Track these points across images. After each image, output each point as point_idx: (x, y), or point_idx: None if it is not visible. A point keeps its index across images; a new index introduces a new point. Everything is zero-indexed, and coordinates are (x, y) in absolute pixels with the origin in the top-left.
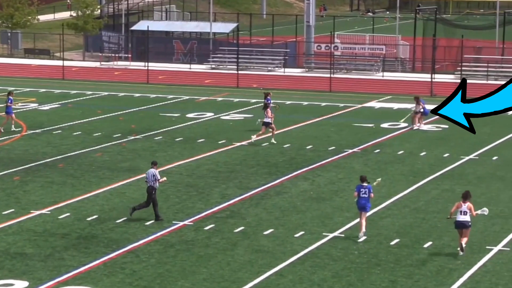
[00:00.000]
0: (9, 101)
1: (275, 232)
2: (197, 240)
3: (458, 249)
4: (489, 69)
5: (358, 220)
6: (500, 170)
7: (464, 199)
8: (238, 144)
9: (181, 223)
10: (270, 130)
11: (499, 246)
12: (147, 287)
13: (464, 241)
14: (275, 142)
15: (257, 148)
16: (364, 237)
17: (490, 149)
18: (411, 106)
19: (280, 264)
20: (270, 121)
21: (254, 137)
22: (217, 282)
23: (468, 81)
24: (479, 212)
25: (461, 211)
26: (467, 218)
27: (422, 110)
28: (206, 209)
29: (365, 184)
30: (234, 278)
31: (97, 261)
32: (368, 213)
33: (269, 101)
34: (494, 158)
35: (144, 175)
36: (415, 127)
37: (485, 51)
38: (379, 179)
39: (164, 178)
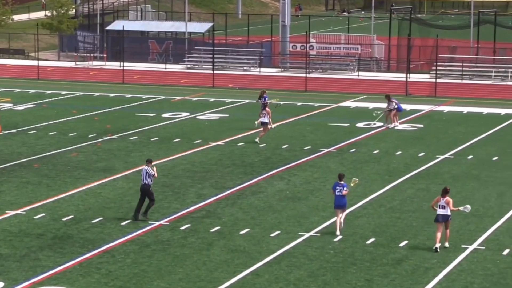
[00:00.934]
0: None
1: (251, 232)
2: (173, 240)
3: (437, 245)
4: (464, 68)
5: (334, 219)
6: (475, 169)
7: (443, 194)
8: (214, 144)
9: (157, 223)
10: (262, 129)
11: (474, 245)
12: (123, 287)
13: (439, 235)
14: (258, 142)
15: (232, 148)
16: (339, 232)
17: (465, 148)
18: (384, 105)
19: (256, 264)
20: (268, 121)
21: (258, 140)
22: (193, 282)
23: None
24: (461, 208)
25: (440, 205)
26: (446, 211)
27: (396, 106)
28: (182, 209)
29: (342, 182)
30: (210, 278)
31: (73, 261)
32: (347, 211)
33: (266, 100)
34: (469, 157)
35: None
36: (391, 126)
37: (460, 51)
38: (356, 179)
39: (155, 175)
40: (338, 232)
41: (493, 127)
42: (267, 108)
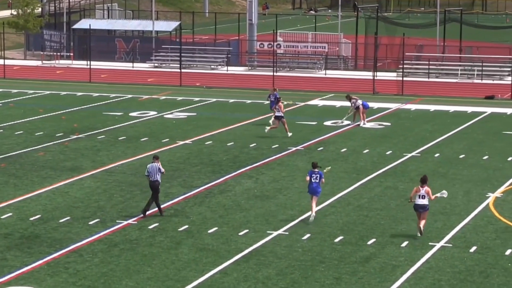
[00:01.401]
0: None
1: (219, 231)
2: (141, 239)
3: (418, 233)
4: (430, 67)
5: (302, 217)
6: (442, 167)
7: (422, 184)
8: (182, 142)
9: (125, 222)
10: (275, 123)
11: (442, 243)
12: (91, 286)
13: (422, 223)
14: (290, 134)
15: (200, 146)
16: (313, 218)
17: (432, 147)
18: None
19: (224, 262)
20: (282, 115)
21: (267, 128)
22: (162, 281)
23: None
24: (438, 195)
25: (419, 195)
26: (425, 201)
27: (361, 103)
28: (150, 208)
29: (316, 170)
30: (178, 277)
31: (40, 261)
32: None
33: (277, 96)
34: (436, 155)
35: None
36: (361, 124)
37: (426, 49)
38: (329, 167)
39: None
40: (313, 214)
41: (460, 125)
42: (280, 103)
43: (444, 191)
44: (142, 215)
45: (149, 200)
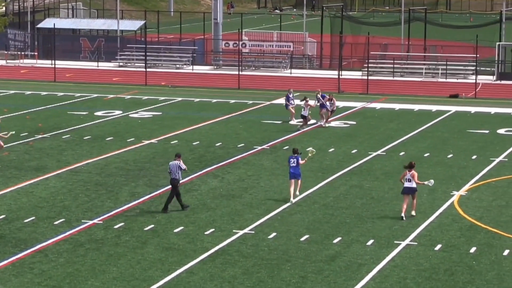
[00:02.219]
0: None
1: (185, 230)
2: (107, 239)
3: (402, 214)
4: (395, 65)
5: (268, 215)
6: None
7: (408, 168)
8: (147, 142)
9: (91, 222)
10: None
11: (407, 241)
12: (56, 286)
13: (405, 206)
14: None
15: (166, 146)
16: (295, 199)
17: (397, 145)
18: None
19: (190, 262)
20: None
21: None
22: (127, 280)
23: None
24: (425, 182)
25: (406, 179)
26: (412, 184)
27: (318, 103)
28: (116, 208)
29: (295, 155)
30: (144, 277)
31: (5, 261)
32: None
33: (290, 99)
34: (401, 153)
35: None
36: (322, 123)
37: (391, 48)
38: (313, 150)
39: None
40: (292, 199)
41: (425, 124)
42: (308, 102)
43: (431, 180)
44: (164, 211)
45: (168, 196)
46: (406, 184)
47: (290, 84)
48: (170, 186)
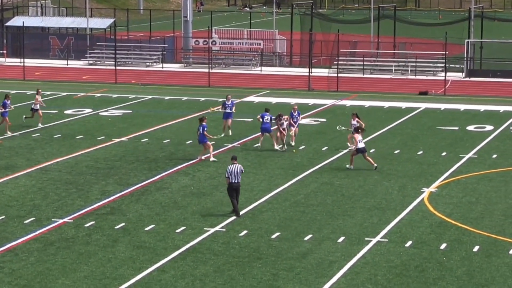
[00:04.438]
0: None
1: (156, 228)
2: (78, 238)
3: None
4: (365, 63)
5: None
6: (377, 162)
7: (357, 132)
8: (117, 140)
9: (61, 221)
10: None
11: (378, 238)
12: (27, 286)
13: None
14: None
15: (136, 144)
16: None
17: (367, 142)
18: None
19: (161, 260)
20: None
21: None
22: (98, 279)
23: (344, 75)
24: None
25: (360, 140)
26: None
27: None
28: (86, 206)
29: (268, 113)
30: (115, 275)
31: None
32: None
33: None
34: (372, 150)
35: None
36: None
37: (361, 45)
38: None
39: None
40: (259, 144)
41: (395, 121)
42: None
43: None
44: (236, 217)
45: (233, 202)
46: (360, 145)
47: (261, 82)
48: (138, 185)
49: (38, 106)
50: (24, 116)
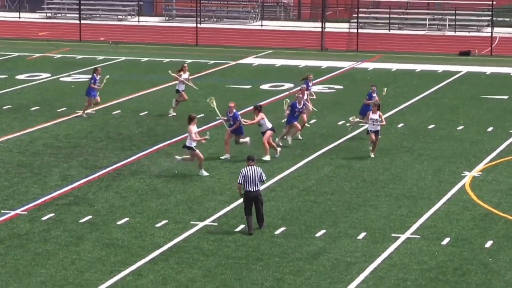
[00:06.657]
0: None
1: (131, 222)
2: (33, 234)
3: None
4: (392, 16)
5: (235, 203)
6: (407, 140)
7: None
8: (82, 112)
9: (13, 213)
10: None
11: (407, 234)
12: None
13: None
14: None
15: (106, 117)
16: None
17: (394, 115)
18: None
19: (138, 262)
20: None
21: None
22: (59, 285)
23: (365, 30)
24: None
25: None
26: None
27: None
28: (44, 195)
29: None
30: (80, 280)
31: None
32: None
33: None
34: (400, 125)
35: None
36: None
37: None
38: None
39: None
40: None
41: (429, 88)
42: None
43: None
44: (260, 228)
45: (248, 221)
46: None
47: (262, 40)
48: (108, 169)
49: None
50: None
